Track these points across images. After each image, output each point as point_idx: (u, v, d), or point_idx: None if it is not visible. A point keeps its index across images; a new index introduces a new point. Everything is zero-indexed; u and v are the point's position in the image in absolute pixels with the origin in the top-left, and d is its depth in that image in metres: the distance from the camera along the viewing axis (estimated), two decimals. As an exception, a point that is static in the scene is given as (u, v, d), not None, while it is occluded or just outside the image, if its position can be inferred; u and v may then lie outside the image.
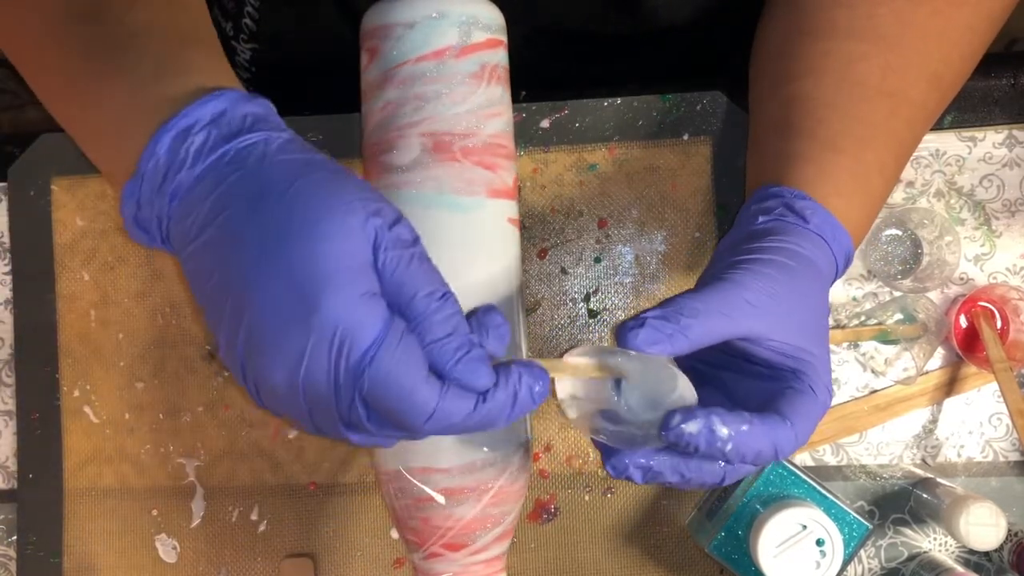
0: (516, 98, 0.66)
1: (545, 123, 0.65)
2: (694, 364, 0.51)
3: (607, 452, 0.44)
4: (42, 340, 0.67)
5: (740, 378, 0.48)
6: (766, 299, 0.45)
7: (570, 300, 0.65)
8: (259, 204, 0.40)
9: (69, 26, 0.47)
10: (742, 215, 0.52)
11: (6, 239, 0.68)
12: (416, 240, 0.41)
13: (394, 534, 0.65)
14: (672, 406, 0.43)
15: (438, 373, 0.39)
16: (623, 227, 0.65)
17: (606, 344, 0.63)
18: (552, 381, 0.43)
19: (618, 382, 0.44)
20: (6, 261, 0.68)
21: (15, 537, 0.67)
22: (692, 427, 0.41)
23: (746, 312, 0.44)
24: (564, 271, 0.65)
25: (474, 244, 0.53)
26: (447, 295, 0.40)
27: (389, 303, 0.40)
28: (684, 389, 0.44)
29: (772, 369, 0.46)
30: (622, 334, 0.43)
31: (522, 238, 0.65)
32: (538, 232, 0.65)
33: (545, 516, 0.64)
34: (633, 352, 0.43)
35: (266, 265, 0.38)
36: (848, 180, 0.50)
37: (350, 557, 0.65)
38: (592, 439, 0.45)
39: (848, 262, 0.51)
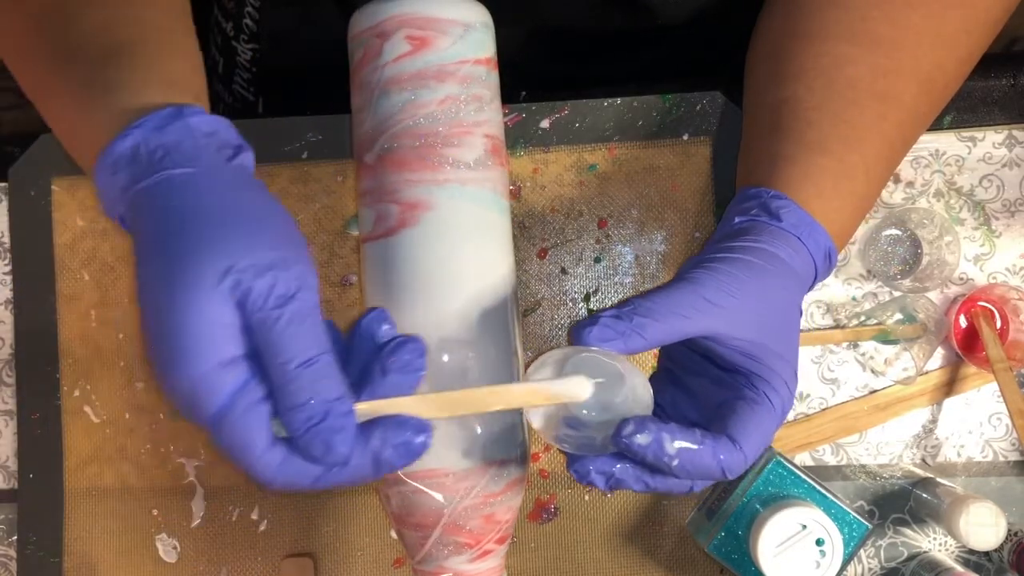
0: (516, 98, 0.67)
1: (545, 123, 0.65)
2: (666, 365, 0.51)
3: (571, 458, 0.45)
4: (42, 340, 0.67)
5: (703, 382, 0.49)
6: (726, 298, 0.45)
7: (570, 300, 0.65)
8: (148, 253, 0.42)
9: (36, 30, 0.50)
10: (725, 214, 0.52)
11: (6, 239, 0.68)
12: (293, 296, 0.41)
13: (394, 534, 0.65)
14: (627, 409, 0.44)
15: (293, 438, 0.40)
16: (623, 227, 0.65)
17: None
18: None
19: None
20: (6, 261, 0.68)
21: (15, 537, 0.67)
22: (642, 439, 0.42)
23: (704, 311, 0.45)
24: (564, 271, 0.65)
25: (505, 244, 0.56)
26: (311, 360, 0.40)
27: (263, 362, 0.41)
28: (640, 389, 0.44)
29: (731, 374, 0.47)
30: (576, 332, 0.44)
31: (522, 238, 0.65)
32: (538, 232, 0.65)
33: (545, 516, 0.64)
34: (592, 351, 0.44)
35: (147, 318, 0.41)
36: (831, 182, 0.50)
37: (350, 557, 0.65)
38: (558, 447, 0.46)
39: (831, 263, 0.51)
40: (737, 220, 0.50)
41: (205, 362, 0.39)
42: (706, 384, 0.48)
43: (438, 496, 0.51)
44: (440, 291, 0.52)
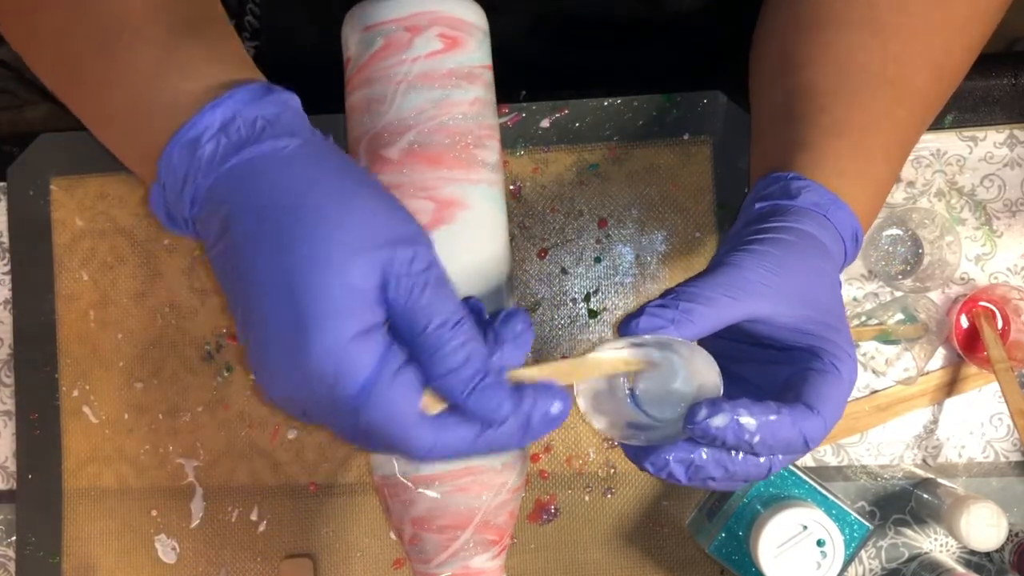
0: (516, 97, 0.67)
1: (545, 123, 0.65)
2: None
3: (644, 451, 0.43)
4: (41, 340, 0.67)
5: (759, 368, 0.47)
6: (769, 276, 0.44)
7: (570, 300, 0.65)
8: (262, 227, 0.40)
9: (81, 6, 0.46)
10: (744, 205, 0.51)
11: (5, 239, 0.68)
12: (431, 264, 0.40)
13: (393, 536, 0.65)
14: (693, 394, 0.42)
15: (453, 404, 0.39)
16: (623, 227, 0.65)
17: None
18: (573, 390, 0.42)
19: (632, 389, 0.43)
20: (5, 261, 0.68)
21: (14, 537, 0.67)
22: (719, 420, 0.40)
23: (750, 291, 0.43)
24: (564, 271, 0.65)
25: (508, 244, 0.57)
26: (461, 321, 0.40)
27: (402, 332, 0.40)
28: (704, 374, 0.42)
29: (788, 351, 0.45)
30: (623, 326, 0.43)
31: (522, 238, 0.65)
32: (538, 232, 0.65)
33: (545, 517, 0.64)
34: (647, 339, 0.42)
35: (264, 296, 0.39)
36: (851, 163, 0.50)
37: (350, 557, 0.65)
38: (623, 444, 0.44)
39: (857, 243, 0.50)
40: (758, 206, 0.49)
41: (349, 330, 0.37)
42: (760, 368, 0.47)
43: (472, 494, 0.51)
44: (471, 290, 0.52)
